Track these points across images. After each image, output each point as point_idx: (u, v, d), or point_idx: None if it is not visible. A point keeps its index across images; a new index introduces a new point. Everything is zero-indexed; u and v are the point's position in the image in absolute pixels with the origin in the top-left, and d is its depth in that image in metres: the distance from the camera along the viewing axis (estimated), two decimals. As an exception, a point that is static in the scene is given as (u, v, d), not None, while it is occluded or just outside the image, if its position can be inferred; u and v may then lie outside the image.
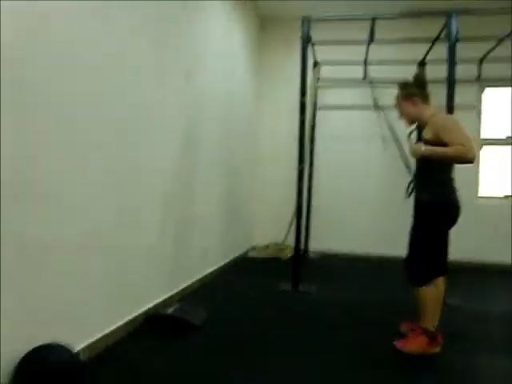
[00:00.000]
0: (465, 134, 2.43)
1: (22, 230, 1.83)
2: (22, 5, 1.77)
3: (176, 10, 3.23)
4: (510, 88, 5.37)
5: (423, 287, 2.59)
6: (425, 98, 2.69)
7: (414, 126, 2.86)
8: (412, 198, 4.74)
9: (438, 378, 2.31)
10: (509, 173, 5.39)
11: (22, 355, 1.82)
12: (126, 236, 2.67)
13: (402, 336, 2.74)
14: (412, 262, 2.68)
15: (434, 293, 2.59)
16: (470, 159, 2.35)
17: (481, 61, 5.15)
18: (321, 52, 5.15)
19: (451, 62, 3.58)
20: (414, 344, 2.58)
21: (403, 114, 2.78)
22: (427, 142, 2.52)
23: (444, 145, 2.42)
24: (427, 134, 2.54)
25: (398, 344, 2.61)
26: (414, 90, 2.69)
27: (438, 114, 2.66)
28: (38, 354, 1.86)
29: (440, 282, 2.65)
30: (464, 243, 5.07)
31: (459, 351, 2.63)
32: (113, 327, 2.53)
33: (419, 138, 4.90)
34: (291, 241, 4.39)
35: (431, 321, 2.58)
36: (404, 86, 2.75)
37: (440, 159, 2.47)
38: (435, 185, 2.58)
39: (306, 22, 3.93)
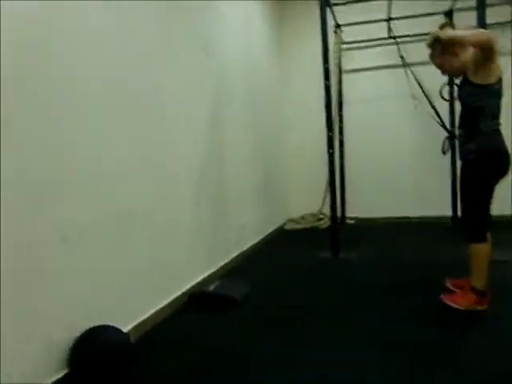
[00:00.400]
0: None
1: (63, 216, 1.90)
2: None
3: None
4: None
5: (478, 244, 2.51)
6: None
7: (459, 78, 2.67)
8: (448, 156, 4.61)
9: (489, 333, 2.26)
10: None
11: (75, 338, 1.91)
12: (163, 215, 2.72)
13: (449, 292, 2.71)
14: (466, 218, 2.59)
15: (487, 249, 2.52)
16: (486, 40, 2.26)
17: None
18: (342, 14, 4.98)
19: (480, 7, 3.38)
20: (462, 300, 2.53)
21: (447, 69, 2.63)
22: (467, 81, 2.45)
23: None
24: (469, 70, 2.44)
25: (446, 299, 2.57)
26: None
27: None
28: (90, 336, 1.94)
29: (488, 237, 2.57)
30: (505, 196, 4.91)
31: (509, 307, 2.57)
32: (158, 307, 2.61)
33: (451, 97, 4.73)
34: (327, 210, 4.36)
35: (481, 278, 2.51)
36: (436, 42, 2.55)
37: (461, 41, 2.39)
38: (483, 133, 2.46)
39: (323, -17, 3.80)
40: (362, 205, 5.69)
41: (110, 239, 2.23)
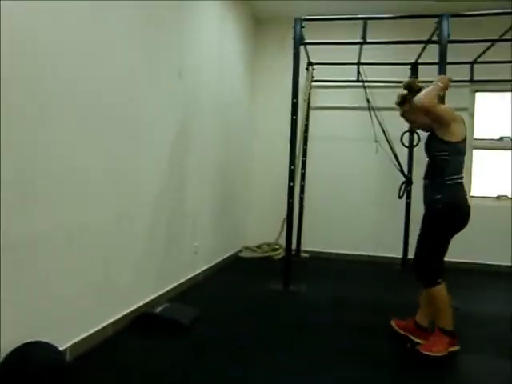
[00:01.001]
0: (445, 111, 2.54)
1: (10, 231, 1.83)
2: (11, 5, 1.76)
3: (169, 9, 3.23)
4: (498, 93, 5.40)
5: (437, 286, 2.57)
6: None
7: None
8: (403, 199, 4.77)
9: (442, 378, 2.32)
10: (504, 174, 5.40)
11: (5, 354, 1.81)
12: (114, 234, 2.67)
13: (395, 335, 2.80)
14: (423, 262, 2.66)
15: (445, 290, 2.59)
16: (421, 106, 2.48)
17: (472, 64, 5.17)
18: (315, 53, 5.15)
19: (442, 63, 3.59)
20: (437, 346, 2.52)
21: (418, 125, 2.79)
22: (444, 142, 2.58)
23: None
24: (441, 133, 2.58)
25: (423, 348, 2.54)
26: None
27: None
28: (22, 353, 1.85)
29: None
30: (458, 244, 5.11)
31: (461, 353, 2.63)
32: (100, 326, 2.53)
33: (411, 144, 4.93)
34: (283, 241, 4.39)
35: (448, 319, 2.58)
36: (406, 100, 2.74)
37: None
38: (449, 186, 2.58)
39: (299, 22, 3.93)
40: (317, 239, 5.76)
41: (59, 253, 2.16)
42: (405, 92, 2.76)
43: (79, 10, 2.20)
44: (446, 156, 2.57)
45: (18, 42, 1.83)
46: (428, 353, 2.51)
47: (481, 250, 5.26)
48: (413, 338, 2.76)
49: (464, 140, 2.59)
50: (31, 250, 1.97)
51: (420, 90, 2.67)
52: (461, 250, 5.18)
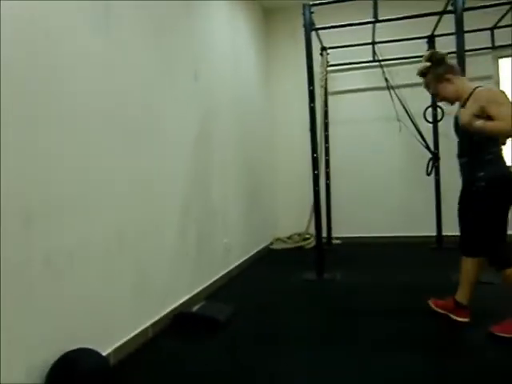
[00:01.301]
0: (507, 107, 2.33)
1: (47, 240, 1.88)
2: (24, 19, 1.81)
3: (179, 8, 3.25)
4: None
5: (508, 269, 2.44)
6: (456, 71, 2.60)
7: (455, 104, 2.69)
8: (432, 176, 4.66)
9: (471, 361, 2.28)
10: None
11: (52, 362, 1.88)
12: (148, 237, 2.71)
13: (434, 315, 2.75)
14: (492, 246, 2.50)
15: None
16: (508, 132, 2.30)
17: (492, 29, 5.00)
18: (328, 37, 5.08)
19: (459, 32, 3.48)
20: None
21: (442, 97, 2.66)
22: (479, 116, 2.43)
23: (490, 118, 2.34)
24: (472, 107, 2.43)
25: (496, 330, 2.43)
26: (441, 69, 2.59)
27: (477, 88, 2.49)
28: (68, 360, 1.91)
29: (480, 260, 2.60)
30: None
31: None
32: (140, 329, 2.58)
33: (435, 119, 4.80)
34: (314, 230, 4.37)
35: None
36: (428, 71, 2.63)
37: (489, 134, 2.36)
38: (490, 160, 2.45)
39: (307, 8, 3.88)
40: (348, 225, 5.72)
41: (96, 263, 2.22)
42: (427, 64, 2.65)
43: (92, 24, 2.24)
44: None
45: (36, 54, 1.88)
46: (502, 334, 2.40)
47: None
48: (452, 316, 2.71)
49: None
50: (69, 260, 2.02)
51: (443, 59, 2.59)
52: None
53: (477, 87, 2.49)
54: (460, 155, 2.64)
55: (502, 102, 2.37)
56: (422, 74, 2.68)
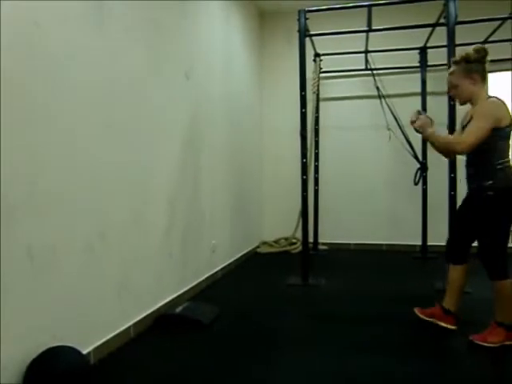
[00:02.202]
0: (482, 125, 2.38)
1: (30, 234, 1.86)
2: (16, 11, 1.79)
3: (172, 6, 3.24)
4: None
5: (502, 281, 2.46)
6: (484, 77, 2.55)
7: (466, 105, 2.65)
8: (419, 186, 4.70)
9: (455, 365, 2.30)
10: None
11: (31, 359, 1.85)
12: (132, 236, 2.70)
13: (415, 322, 2.78)
14: (487, 255, 2.50)
15: (510, 284, 2.47)
16: (456, 151, 2.35)
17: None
18: (322, 44, 5.11)
19: (451, 45, 3.53)
20: (492, 337, 2.46)
21: (459, 91, 2.60)
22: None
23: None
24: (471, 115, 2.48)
25: (475, 338, 2.48)
26: (476, 67, 2.51)
27: (490, 98, 2.51)
28: (47, 357, 1.89)
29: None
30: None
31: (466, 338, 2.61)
32: (122, 328, 2.56)
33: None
34: (301, 235, 4.38)
35: (509, 314, 2.47)
36: (464, 61, 2.54)
37: (436, 148, 2.39)
38: (498, 170, 2.44)
39: (303, 13, 3.91)
40: (335, 231, 5.74)
41: (79, 260, 2.20)
42: (470, 53, 2.53)
43: (81, 15, 2.22)
44: (490, 143, 2.42)
45: (25, 43, 1.86)
46: (481, 343, 2.45)
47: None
48: (440, 323, 2.72)
49: (511, 124, 2.44)
50: (51, 256, 2.00)
51: (483, 61, 2.51)
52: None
53: (490, 97, 2.51)
54: (468, 164, 2.62)
55: (481, 117, 2.41)
56: (456, 61, 2.60)
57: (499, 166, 2.45)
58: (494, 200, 2.45)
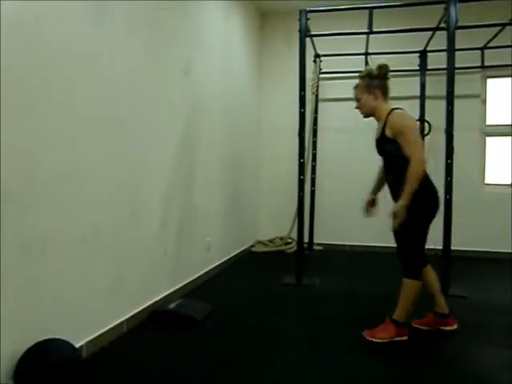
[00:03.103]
0: (419, 139, 2.55)
1: (23, 224, 1.86)
2: (16, 6, 1.78)
3: (173, 4, 3.24)
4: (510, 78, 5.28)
5: (412, 280, 2.58)
6: (386, 92, 2.68)
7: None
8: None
9: (434, 366, 2.31)
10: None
11: (23, 351, 1.85)
12: (127, 232, 2.70)
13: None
14: (404, 254, 2.66)
15: (419, 287, 2.61)
16: (420, 171, 2.45)
17: (483, 49, 5.08)
18: (322, 44, 5.12)
19: (450, 50, 3.54)
20: (382, 333, 2.59)
21: (362, 106, 2.74)
22: (387, 140, 2.59)
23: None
24: (387, 131, 2.59)
25: (367, 335, 2.61)
26: (377, 83, 2.66)
27: (393, 110, 2.62)
28: (39, 350, 1.89)
29: (430, 270, 2.77)
30: (470, 231, 5.06)
31: (463, 341, 2.64)
32: (115, 323, 2.57)
33: (422, 133, 4.88)
34: (296, 235, 4.39)
35: (405, 312, 2.61)
36: (368, 76, 2.70)
37: (415, 186, 2.47)
38: None
39: (304, 14, 3.91)
40: (330, 231, 5.75)
41: (73, 252, 2.19)
42: (373, 71, 2.70)
43: (80, 12, 2.22)
44: (402, 151, 2.53)
45: (24, 35, 1.86)
46: (371, 339, 2.57)
47: (494, 238, 5.19)
48: (443, 328, 2.76)
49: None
50: (44, 247, 2.00)
51: (384, 78, 2.67)
52: (474, 237, 5.19)
53: (393, 109, 2.62)
54: (386, 172, 2.76)
55: (408, 130, 2.51)
56: (361, 76, 2.74)
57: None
58: (414, 202, 2.49)
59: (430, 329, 2.79)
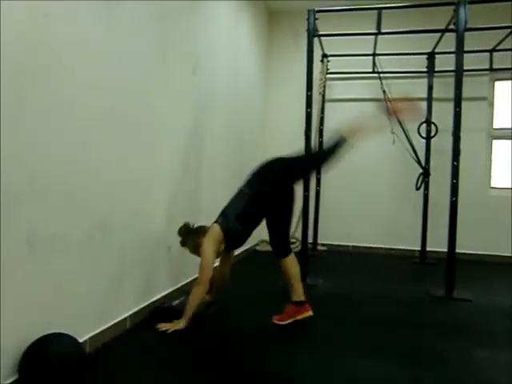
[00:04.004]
0: (208, 258, 2.77)
1: (30, 221, 1.87)
2: (22, 5, 1.79)
3: (181, 4, 3.24)
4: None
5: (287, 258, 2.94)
6: (201, 232, 2.92)
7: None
8: (421, 191, 4.70)
9: (434, 369, 2.30)
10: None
11: (27, 345, 1.86)
12: (132, 228, 2.71)
13: (406, 324, 2.79)
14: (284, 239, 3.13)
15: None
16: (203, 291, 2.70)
17: (491, 52, 5.06)
18: (330, 44, 5.11)
19: (459, 52, 3.52)
20: (284, 316, 2.84)
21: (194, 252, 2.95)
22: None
23: None
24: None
25: (276, 319, 2.84)
26: (194, 237, 2.93)
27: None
28: (43, 344, 1.90)
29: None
30: (475, 235, 5.04)
31: (466, 343, 2.62)
32: (118, 319, 2.57)
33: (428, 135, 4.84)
34: (300, 235, 4.38)
35: (299, 292, 2.89)
36: (186, 241, 2.97)
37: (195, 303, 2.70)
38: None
39: (312, 14, 3.91)
40: (334, 232, 5.75)
41: (79, 249, 2.21)
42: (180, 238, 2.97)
43: (88, 10, 2.23)
44: None
45: (33, 33, 1.87)
46: (278, 322, 2.82)
47: (499, 242, 5.17)
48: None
49: None
50: (50, 244, 2.01)
51: (189, 230, 2.96)
52: (479, 241, 5.17)
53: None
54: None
55: (203, 253, 2.78)
56: (184, 243, 2.98)
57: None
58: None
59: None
